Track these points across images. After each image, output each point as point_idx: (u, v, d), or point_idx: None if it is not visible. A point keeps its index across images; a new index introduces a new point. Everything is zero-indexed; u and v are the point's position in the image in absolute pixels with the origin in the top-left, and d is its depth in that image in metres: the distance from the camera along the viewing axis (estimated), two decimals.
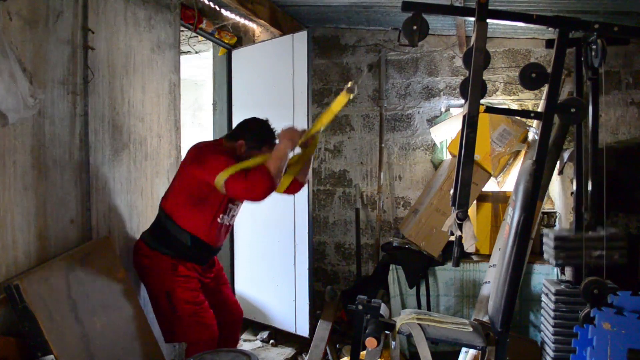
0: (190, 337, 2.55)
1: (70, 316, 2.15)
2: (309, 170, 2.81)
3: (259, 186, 2.37)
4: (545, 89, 2.99)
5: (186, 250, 2.55)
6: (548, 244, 2.80)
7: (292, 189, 2.77)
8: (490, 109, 2.37)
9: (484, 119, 3.35)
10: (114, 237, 2.68)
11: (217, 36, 3.86)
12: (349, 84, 2.43)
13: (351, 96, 2.45)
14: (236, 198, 2.54)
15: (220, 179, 2.39)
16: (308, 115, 3.58)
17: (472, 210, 3.60)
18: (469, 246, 2.24)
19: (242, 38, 4.12)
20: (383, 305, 2.23)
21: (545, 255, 2.87)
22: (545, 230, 2.90)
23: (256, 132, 2.59)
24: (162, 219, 2.59)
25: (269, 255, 3.87)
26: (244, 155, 2.56)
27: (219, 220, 2.60)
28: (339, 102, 2.46)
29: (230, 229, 2.77)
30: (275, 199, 3.81)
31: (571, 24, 2.33)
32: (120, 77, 2.71)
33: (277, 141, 2.59)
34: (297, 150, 2.67)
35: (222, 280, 2.85)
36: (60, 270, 2.20)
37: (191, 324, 2.52)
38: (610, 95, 4.01)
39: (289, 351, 3.72)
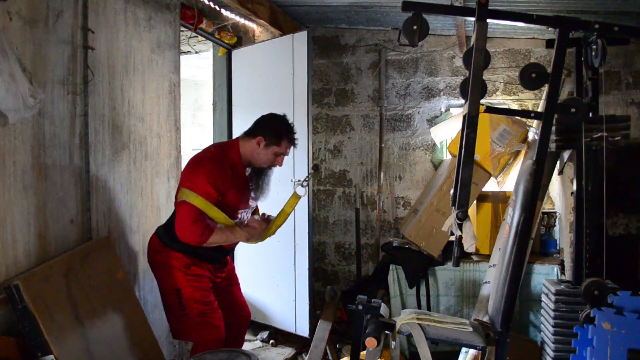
0: (197, 337, 2.53)
1: (70, 316, 2.15)
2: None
3: (191, 237, 2.39)
4: (545, 89, 2.99)
5: (199, 250, 2.52)
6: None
7: None
8: (490, 109, 2.37)
9: (484, 119, 3.35)
10: (114, 237, 2.68)
11: (217, 36, 3.86)
12: (297, 190, 2.73)
13: (300, 198, 2.74)
14: (174, 220, 2.49)
15: (183, 195, 2.40)
16: (308, 115, 3.58)
17: (472, 210, 3.60)
18: (469, 246, 2.24)
19: (242, 38, 4.12)
20: (383, 305, 2.23)
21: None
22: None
23: (274, 127, 2.57)
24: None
25: (269, 255, 3.87)
26: (262, 152, 2.56)
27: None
28: (290, 204, 2.73)
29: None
30: (276, 199, 3.81)
31: (571, 24, 2.33)
32: (120, 77, 2.71)
33: (296, 137, 2.63)
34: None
35: (233, 281, 2.85)
36: (60, 270, 2.20)
37: (199, 323, 2.51)
38: (610, 95, 4.01)
39: (289, 351, 3.72)
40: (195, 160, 2.52)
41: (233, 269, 2.88)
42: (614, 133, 2.53)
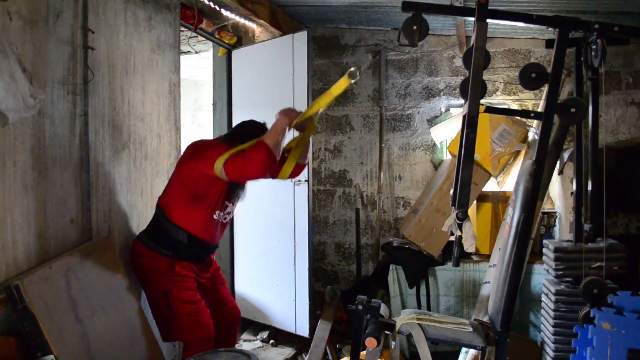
0: (186, 336, 2.55)
1: (70, 316, 2.15)
2: (309, 151, 2.86)
3: (258, 159, 2.38)
4: (545, 89, 2.99)
5: (183, 249, 2.56)
6: (548, 255, 2.81)
7: (295, 172, 2.81)
8: (490, 109, 2.37)
9: (484, 119, 3.35)
10: (114, 237, 2.68)
11: (217, 36, 3.86)
12: (352, 69, 2.39)
13: (352, 81, 2.42)
14: (236, 178, 2.51)
15: (219, 163, 2.42)
16: None
17: (472, 210, 3.60)
18: (469, 246, 2.24)
19: (242, 38, 4.12)
20: (383, 305, 2.23)
21: (545, 266, 2.89)
22: (545, 241, 2.91)
23: (254, 135, 2.59)
24: (159, 217, 2.60)
25: (269, 255, 3.87)
26: None
27: (215, 217, 2.61)
28: (339, 86, 2.45)
29: (226, 227, 2.78)
30: (276, 199, 3.82)
31: (571, 24, 2.33)
32: (120, 77, 2.71)
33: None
34: (296, 133, 2.70)
35: (218, 280, 2.86)
36: (60, 270, 2.20)
37: (187, 323, 2.53)
38: (610, 95, 4.01)
39: (289, 351, 3.72)
40: (192, 151, 2.57)
41: (218, 268, 2.89)
42: (613, 263, 2.63)
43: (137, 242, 2.65)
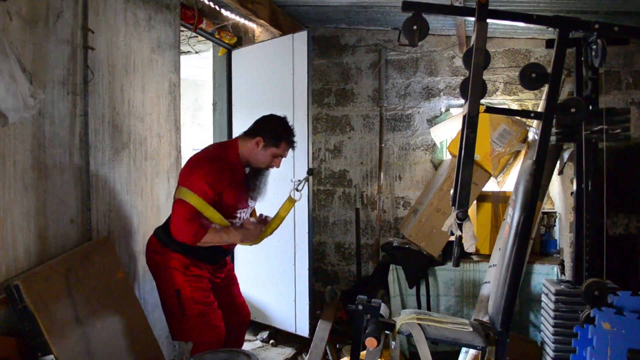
0: (196, 337, 2.52)
1: (70, 316, 2.15)
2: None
3: (185, 236, 2.39)
4: (545, 89, 2.99)
5: (198, 250, 2.51)
6: None
7: None
8: (490, 109, 2.37)
9: (484, 119, 3.35)
10: (114, 237, 2.68)
11: (217, 36, 3.86)
12: (291, 193, 2.68)
13: (295, 202, 2.71)
14: (171, 217, 2.49)
15: (180, 193, 2.41)
16: (308, 116, 3.58)
17: (472, 210, 3.60)
18: (469, 246, 2.25)
19: (242, 38, 4.12)
20: (383, 305, 2.23)
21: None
22: None
23: (274, 129, 2.56)
24: None
25: (269, 255, 3.87)
26: (261, 153, 2.55)
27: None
28: (285, 208, 2.70)
29: None
30: (275, 199, 3.81)
31: (571, 24, 2.33)
32: (120, 77, 2.71)
33: (295, 139, 2.61)
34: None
35: (232, 281, 2.85)
36: (60, 270, 2.20)
37: (198, 324, 2.50)
38: (610, 95, 4.01)
39: (289, 351, 3.72)
40: (194, 160, 2.52)
41: (232, 269, 2.88)
42: (614, 126, 2.51)
43: (153, 237, 2.61)
